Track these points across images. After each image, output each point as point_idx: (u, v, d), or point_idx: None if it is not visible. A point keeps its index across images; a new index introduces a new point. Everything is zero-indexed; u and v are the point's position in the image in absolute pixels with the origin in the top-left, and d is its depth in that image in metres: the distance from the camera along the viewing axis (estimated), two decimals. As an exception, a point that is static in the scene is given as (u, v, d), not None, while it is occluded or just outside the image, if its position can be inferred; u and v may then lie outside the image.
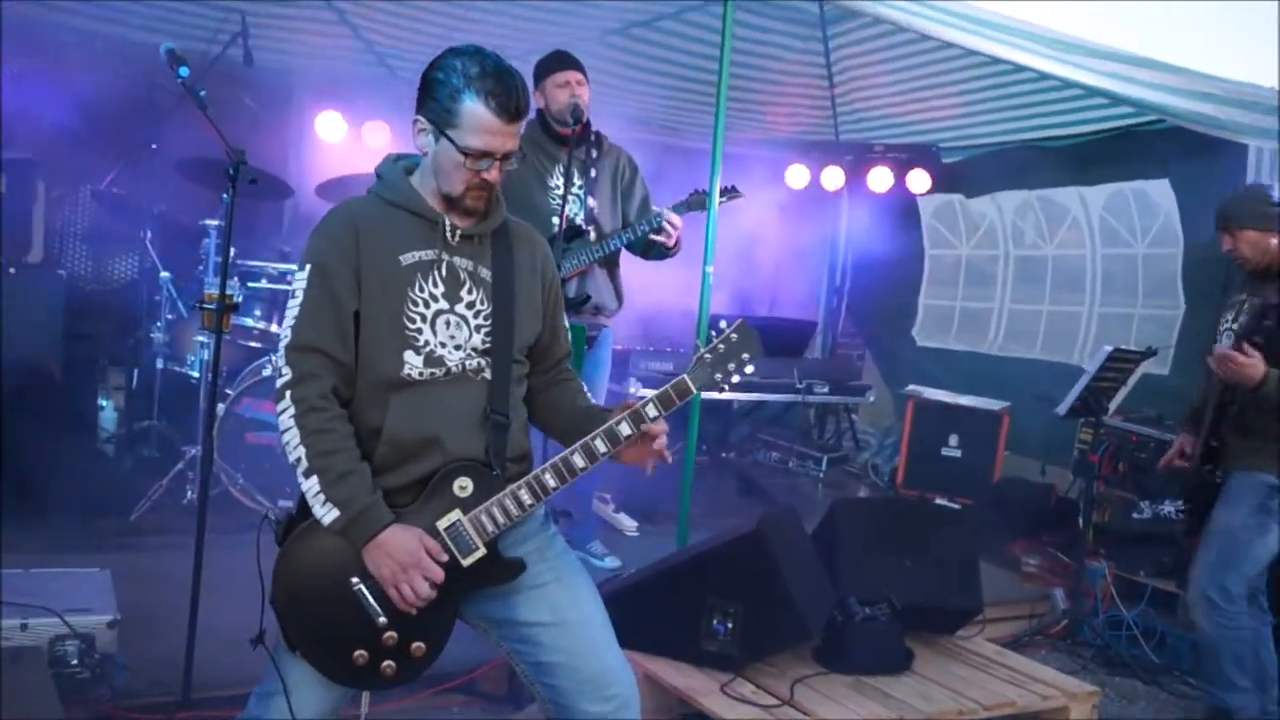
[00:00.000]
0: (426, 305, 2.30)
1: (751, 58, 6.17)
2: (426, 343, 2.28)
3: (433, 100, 2.26)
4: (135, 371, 5.55)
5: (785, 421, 7.82)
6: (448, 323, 2.31)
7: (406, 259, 2.30)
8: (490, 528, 2.28)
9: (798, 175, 7.85)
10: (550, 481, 2.30)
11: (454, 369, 2.30)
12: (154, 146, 5.48)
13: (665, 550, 4.16)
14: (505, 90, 2.23)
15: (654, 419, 2.33)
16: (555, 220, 4.33)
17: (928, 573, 3.89)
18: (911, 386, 6.90)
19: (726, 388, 2.42)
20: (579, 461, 2.31)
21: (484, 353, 2.34)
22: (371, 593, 2.22)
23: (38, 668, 2.90)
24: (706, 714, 3.16)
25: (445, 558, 2.23)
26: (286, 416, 2.19)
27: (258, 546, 2.31)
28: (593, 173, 4.51)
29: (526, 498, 2.29)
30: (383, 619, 2.22)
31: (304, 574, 2.24)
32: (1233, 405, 3.92)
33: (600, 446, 2.30)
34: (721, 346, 2.39)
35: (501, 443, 2.33)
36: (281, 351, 2.24)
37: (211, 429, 3.50)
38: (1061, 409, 5.07)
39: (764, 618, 3.35)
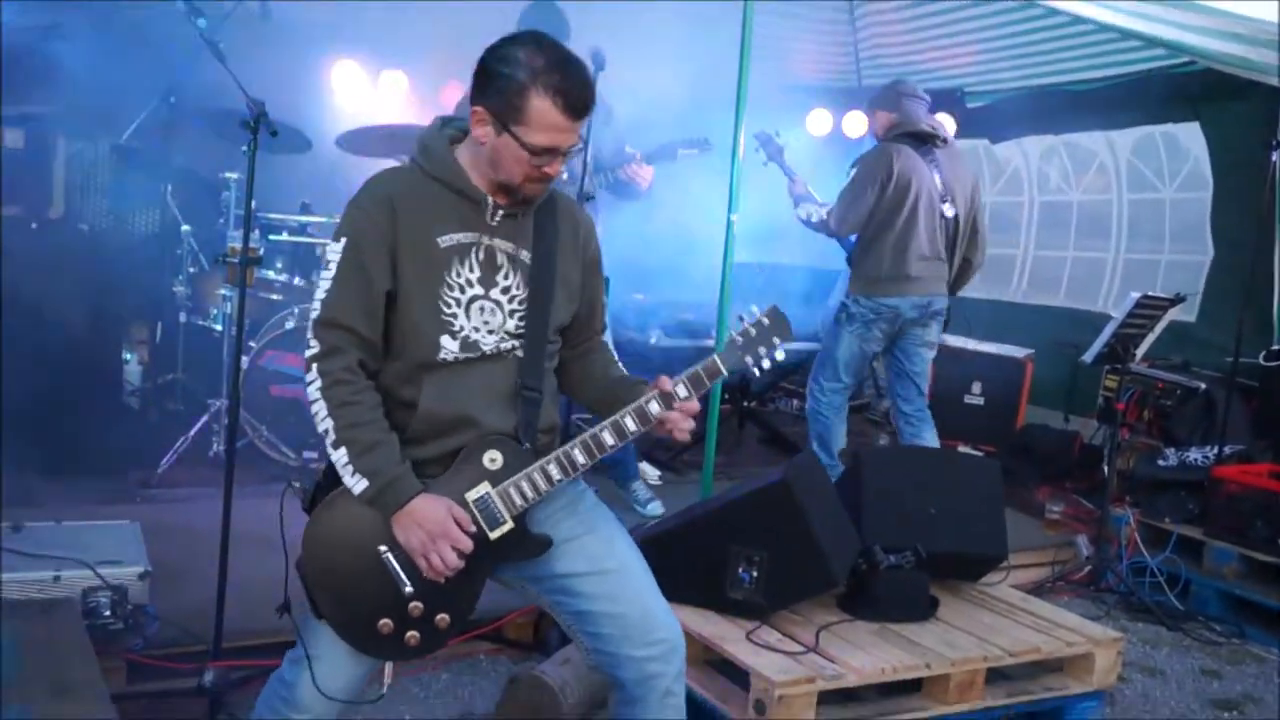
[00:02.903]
0: (462, 290, 2.27)
1: (774, 3, 6.07)
2: (461, 328, 2.27)
3: (495, 93, 2.20)
4: (159, 325, 5.57)
5: (808, 369, 7.78)
6: (481, 309, 2.29)
7: (445, 241, 2.27)
8: (519, 501, 2.27)
9: (820, 121, 7.76)
10: (580, 458, 2.29)
11: (488, 351, 2.30)
12: (172, 100, 5.45)
13: (689, 499, 4.18)
14: (573, 86, 2.19)
15: (685, 399, 2.31)
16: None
17: (952, 520, 3.88)
18: (934, 334, 6.85)
19: (758, 371, 2.42)
20: (609, 439, 2.30)
21: (517, 335, 2.33)
22: (399, 562, 2.22)
23: (72, 618, 2.93)
24: (732, 660, 3.18)
25: (473, 528, 2.23)
26: (314, 389, 2.20)
27: (281, 515, 2.30)
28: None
29: (555, 473, 2.29)
30: (409, 588, 2.22)
31: (332, 542, 2.24)
32: None
33: (630, 424, 2.30)
34: (753, 330, 2.38)
35: (533, 417, 2.33)
36: (310, 324, 2.23)
37: (237, 382, 3.50)
38: (1089, 356, 5.03)
39: (789, 566, 3.35)
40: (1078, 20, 4.89)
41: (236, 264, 4.08)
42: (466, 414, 2.28)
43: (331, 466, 2.24)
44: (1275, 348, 5.51)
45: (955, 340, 6.70)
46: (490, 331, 2.30)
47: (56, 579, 3.13)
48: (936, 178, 4.97)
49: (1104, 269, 7.04)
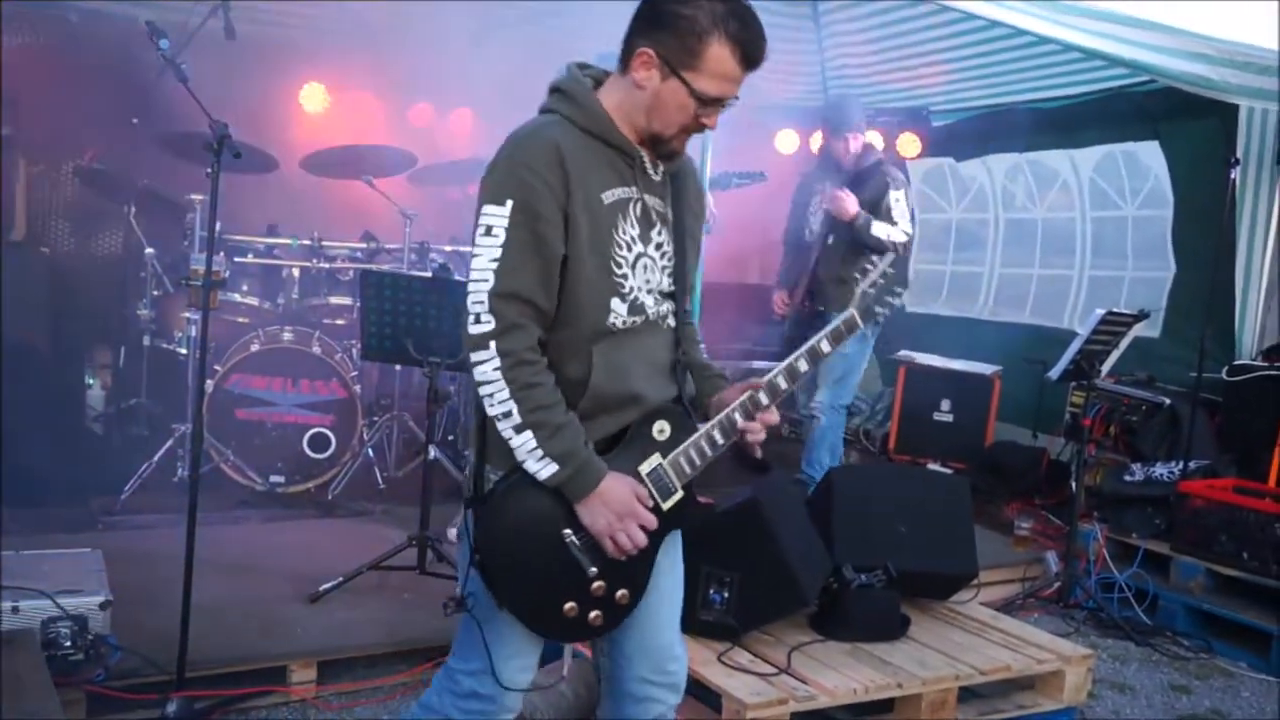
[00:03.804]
0: (628, 248, 2.18)
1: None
2: (631, 289, 2.19)
3: (671, 36, 2.09)
4: (122, 349, 5.51)
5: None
6: (645, 266, 2.22)
7: (608, 197, 2.15)
8: (688, 469, 2.24)
9: (787, 140, 7.80)
10: (739, 419, 2.28)
11: (651, 315, 2.23)
12: (135, 121, 5.40)
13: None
14: (753, 37, 2.11)
15: (827, 353, 2.35)
16: None
17: (922, 538, 3.88)
18: (903, 352, 6.89)
19: (881, 320, 2.46)
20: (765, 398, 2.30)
21: (668, 295, 2.28)
22: (583, 544, 2.15)
23: (31, 650, 2.88)
24: (704, 682, 3.16)
25: (650, 502, 2.18)
26: (490, 369, 2.05)
27: (466, 525, 2.19)
28: None
29: (720, 437, 2.27)
30: (593, 569, 2.16)
31: (515, 531, 2.13)
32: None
33: (763, 398, 2.29)
34: (880, 280, 2.41)
35: (686, 384, 2.31)
36: (482, 296, 2.05)
37: (201, 406, 3.46)
38: (1055, 373, 5.07)
39: (760, 586, 3.34)
40: (1042, 40, 4.93)
41: (200, 287, 4.04)
42: (634, 390, 2.20)
43: (488, 453, 2.15)
44: (1238, 363, 5.57)
45: (924, 358, 6.74)
46: (649, 291, 2.22)
47: (15, 610, 3.07)
48: None
49: (1069, 286, 7.10)
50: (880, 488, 4.06)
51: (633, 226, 2.19)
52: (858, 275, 2.45)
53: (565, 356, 2.15)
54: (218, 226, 3.36)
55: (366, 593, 3.89)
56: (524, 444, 2.07)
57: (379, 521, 4.93)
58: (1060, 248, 7.12)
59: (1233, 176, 5.22)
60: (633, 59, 2.14)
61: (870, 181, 5.36)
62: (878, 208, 5.28)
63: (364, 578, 3.94)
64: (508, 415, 2.06)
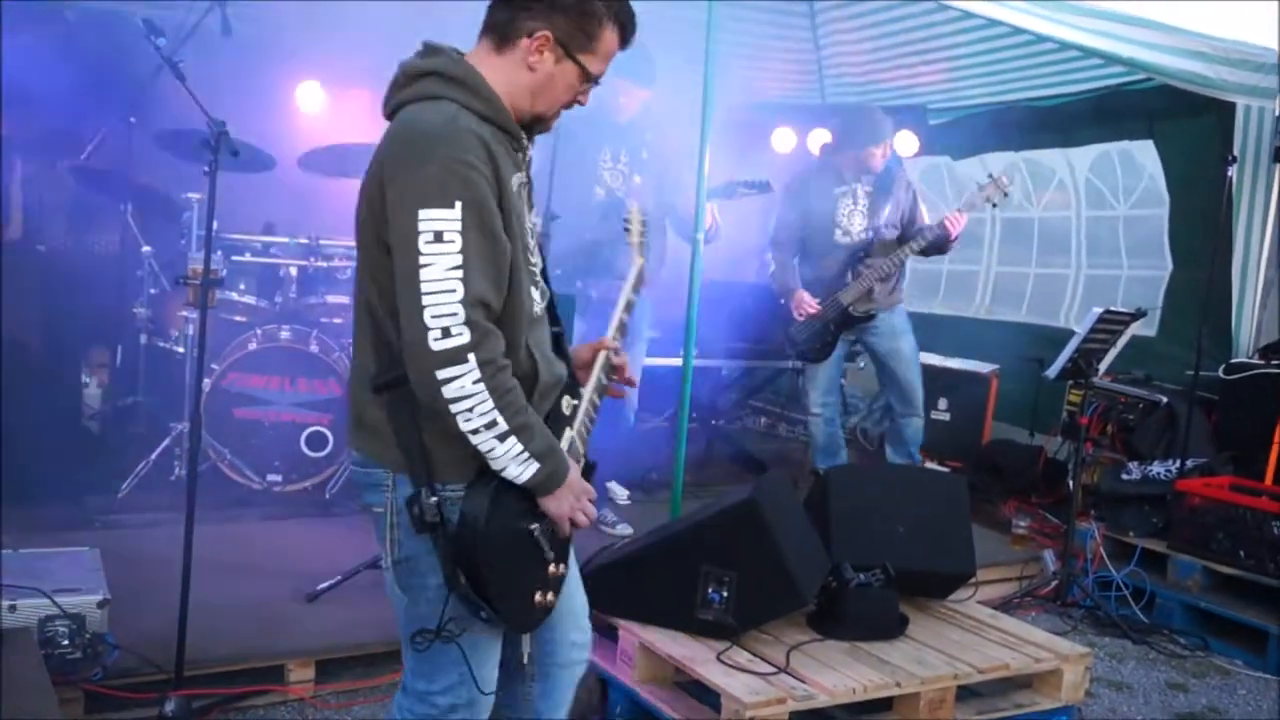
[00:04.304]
0: (532, 234, 2.20)
1: (737, 21, 6.10)
2: (537, 272, 2.22)
3: (568, 21, 2.10)
4: (119, 348, 5.50)
5: (774, 387, 7.81)
6: (539, 246, 2.25)
7: (514, 183, 2.11)
8: (586, 435, 2.29)
9: (784, 139, 7.80)
10: (604, 379, 2.36)
11: (541, 295, 2.25)
12: (132, 120, 5.39)
13: (657, 519, 4.16)
14: (632, 17, 2.19)
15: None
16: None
17: (920, 537, 3.89)
18: (900, 350, 6.87)
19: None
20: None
21: (543, 272, 2.30)
22: (543, 532, 2.15)
23: (28, 649, 2.87)
24: (703, 682, 3.16)
25: None
26: (468, 382, 1.93)
27: (415, 554, 2.11)
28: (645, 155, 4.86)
29: (597, 399, 2.33)
30: (551, 553, 2.18)
31: (499, 542, 2.07)
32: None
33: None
34: (989, 178, 2.54)
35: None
36: (452, 308, 1.92)
37: (199, 405, 3.46)
38: (1052, 371, 5.07)
39: (759, 585, 3.34)
40: (1039, 38, 4.93)
41: (198, 285, 4.03)
42: (559, 373, 2.24)
43: (436, 474, 2.05)
44: (1235, 361, 5.58)
45: (921, 356, 6.72)
46: (542, 271, 2.27)
47: (13, 609, 3.06)
48: None
49: (1065, 284, 7.11)
50: (878, 487, 4.06)
51: (528, 209, 2.21)
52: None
53: (509, 352, 2.06)
54: (215, 225, 3.34)
55: (364, 591, 3.89)
56: (508, 450, 2.00)
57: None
58: (1056, 246, 7.13)
59: (1229, 174, 5.22)
60: (523, 40, 2.11)
61: (893, 184, 5.54)
62: (914, 208, 5.55)
63: (362, 576, 3.94)
64: (491, 425, 1.97)
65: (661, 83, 4.90)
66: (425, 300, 1.92)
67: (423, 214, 1.94)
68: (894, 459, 5.75)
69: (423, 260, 1.93)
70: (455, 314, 1.93)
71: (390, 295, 2.00)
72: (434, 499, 2.03)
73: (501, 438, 1.99)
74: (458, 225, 1.94)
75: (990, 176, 5.14)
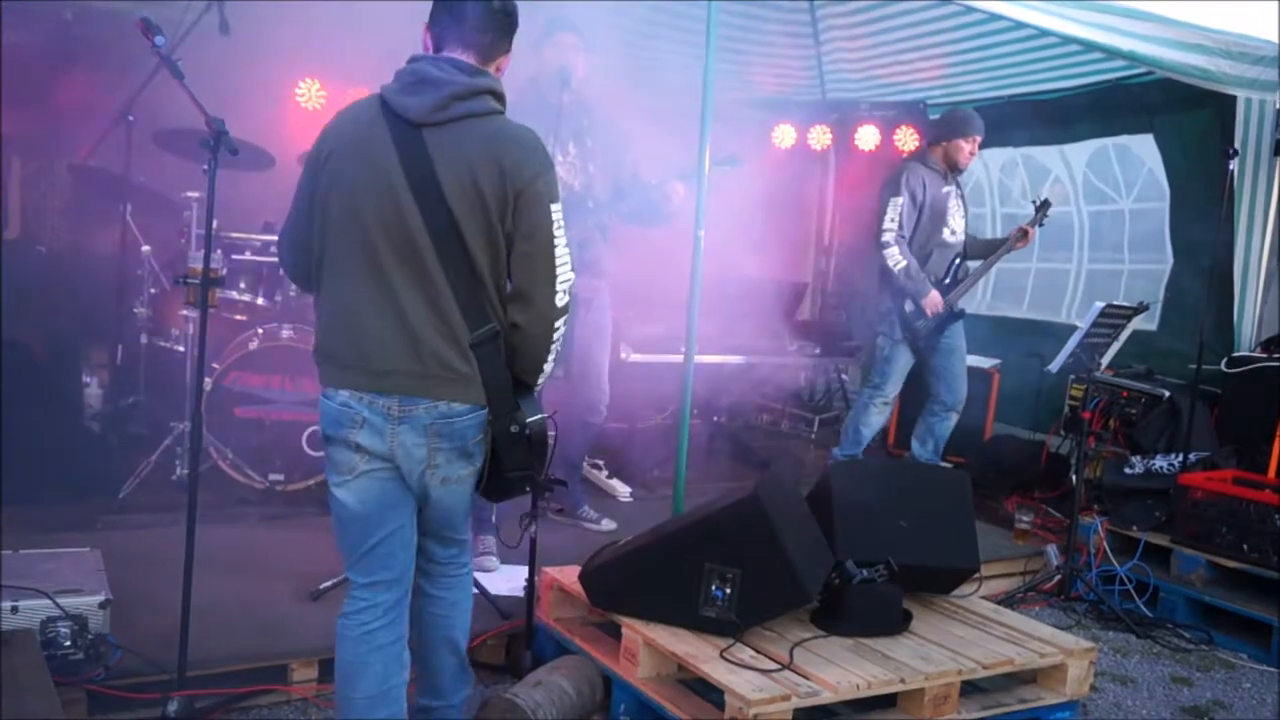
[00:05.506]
0: None
1: (737, 17, 6.09)
2: None
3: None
4: (119, 348, 5.48)
5: (776, 383, 7.80)
6: None
7: None
8: None
9: (784, 134, 7.79)
10: None
11: None
12: (131, 118, 5.38)
13: (659, 516, 4.15)
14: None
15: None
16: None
17: (923, 533, 3.88)
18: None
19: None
20: None
21: None
22: None
23: (30, 650, 2.86)
24: (707, 679, 3.16)
25: None
26: (564, 328, 2.64)
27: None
28: (589, 141, 4.50)
29: None
30: None
31: (542, 440, 2.73)
32: None
33: None
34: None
35: None
36: (567, 279, 2.60)
37: (200, 405, 3.45)
38: (1054, 365, 5.07)
39: (762, 582, 3.34)
40: (1040, 33, 4.93)
41: (198, 285, 4.02)
42: None
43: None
44: (1237, 354, 5.57)
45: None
46: None
47: (15, 610, 3.05)
48: None
49: (1066, 280, 7.10)
50: (881, 482, 4.05)
51: None
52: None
53: None
54: (215, 224, 3.33)
55: (367, 590, 3.87)
56: (551, 368, 2.68)
57: (378, 519, 4.91)
58: (1057, 242, 7.12)
59: (1230, 167, 5.21)
60: (500, 60, 2.67)
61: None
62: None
63: (364, 575, 3.92)
64: (555, 355, 2.65)
65: (659, 74, 4.85)
66: (561, 274, 2.58)
67: (553, 208, 2.57)
68: (920, 455, 5.74)
69: (556, 243, 2.56)
70: (567, 282, 2.61)
71: (503, 266, 2.57)
72: (517, 426, 2.62)
73: (556, 360, 2.69)
74: (562, 218, 2.60)
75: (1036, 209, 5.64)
